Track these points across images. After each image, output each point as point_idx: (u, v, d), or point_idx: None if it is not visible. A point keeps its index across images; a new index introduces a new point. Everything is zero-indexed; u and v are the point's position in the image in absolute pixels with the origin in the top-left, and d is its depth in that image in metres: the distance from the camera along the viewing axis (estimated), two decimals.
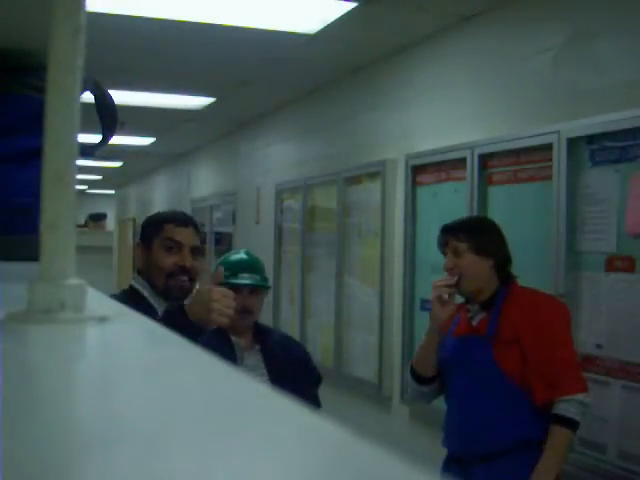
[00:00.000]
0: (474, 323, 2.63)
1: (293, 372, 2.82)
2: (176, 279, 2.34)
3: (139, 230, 2.52)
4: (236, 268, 2.90)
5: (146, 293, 2.34)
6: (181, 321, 1.99)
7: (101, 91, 1.31)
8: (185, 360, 0.47)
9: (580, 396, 2.42)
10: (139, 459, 0.27)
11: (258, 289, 2.92)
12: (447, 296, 2.60)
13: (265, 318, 6.71)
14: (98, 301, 0.64)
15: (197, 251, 2.45)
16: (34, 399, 0.35)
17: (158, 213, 2.60)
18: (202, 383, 0.40)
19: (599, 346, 2.81)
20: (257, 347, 2.89)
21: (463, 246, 2.60)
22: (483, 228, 2.71)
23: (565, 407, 2.41)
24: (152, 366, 0.45)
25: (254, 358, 2.86)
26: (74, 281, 0.53)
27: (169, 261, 2.33)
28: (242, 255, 3.02)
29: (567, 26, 3.05)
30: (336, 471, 0.27)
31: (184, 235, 2.38)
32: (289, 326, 5.70)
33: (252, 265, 2.96)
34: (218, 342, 2.79)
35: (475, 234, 2.63)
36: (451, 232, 2.65)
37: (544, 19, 3.20)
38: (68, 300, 0.53)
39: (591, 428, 2.44)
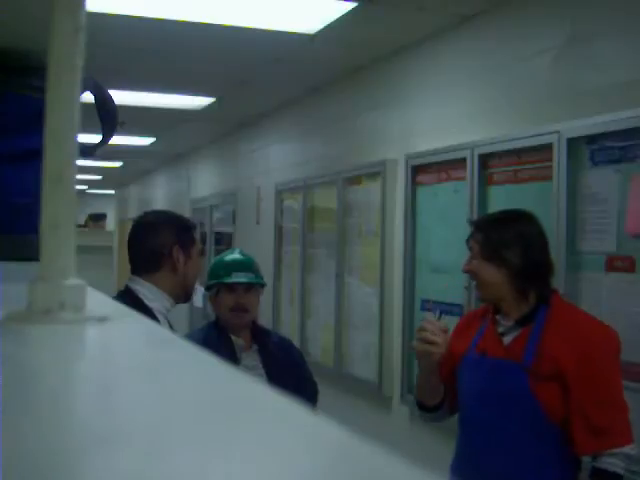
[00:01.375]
0: (506, 342, 2.21)
1: (291, 376, 2.83)
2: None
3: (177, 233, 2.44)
4: (230, 268, 2.95)
5: (150, 295, 2.31)
6: None
7: (101, 91, 1.31)
8: (185, 360, 0.47)
9: (627, 448, 2.07)
10: (139, 459, 0.27)
11: (253, 287, 2.96)
12: (438, 339, 2.23)
13: (265, 318, 6.72)
14: (98, 301, 0.64)
15: None
16: (34, 399, 0.35)
17: (185, 218, 2.58)
18: (202, 383, 0.40)
19: None
20: (255, 347, 2.92)
21: (476, 247, 2.25)
22: (503, 226, 2.25)
23: (612, 461, 2.06)
24: (152, 366, 0.45)
25: (251, 358, 2.89)
26: (74, 281, 0.53)
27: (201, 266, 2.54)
28: (236, 255, 3.08)
29: (567, 26, 3.05)
30: (336, 471, 0.27)
31: None
32: (289, 326, 5.71)
33: (246, 264, 3.00)
34: (218, 341, 2.85)
35: (488, 234, 2.23)
36: (474, 228, 2.30)
37: (544, 19, 3.20)
38: (68, 300, 0.53)
39: None
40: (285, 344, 3.10)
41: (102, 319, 0.54)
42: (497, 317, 2.26)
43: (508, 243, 2.20)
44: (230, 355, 2.79)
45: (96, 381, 0.41)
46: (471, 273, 2.29)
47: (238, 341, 2.91)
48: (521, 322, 2.20)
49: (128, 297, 2.25)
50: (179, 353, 0.50)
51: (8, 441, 0.27)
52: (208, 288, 3.01)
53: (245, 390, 0.38)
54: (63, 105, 0.53)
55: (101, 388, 0.39)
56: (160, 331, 0.59)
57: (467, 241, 2.31)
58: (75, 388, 0.40)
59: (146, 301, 2.28)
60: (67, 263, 0.53)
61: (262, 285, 3.03)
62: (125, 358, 0.47)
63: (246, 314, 2.92)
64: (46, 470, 0.25)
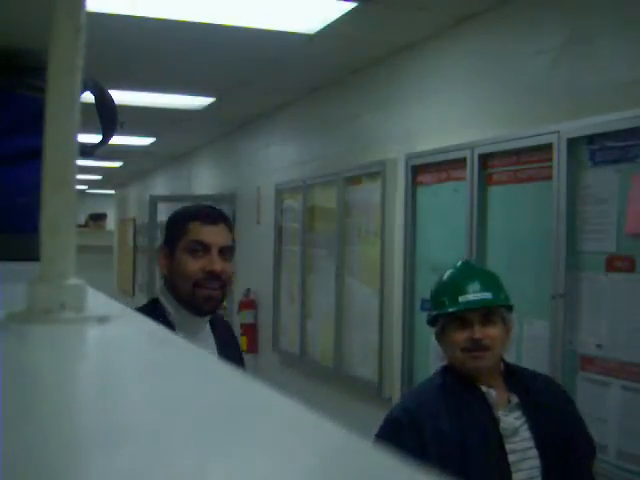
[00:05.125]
0: None
1: (564, 438, 2.06)
2: (204, 288, 1.98)
3: (163, 232, 2.18)
4: (454, 290, 2.08)
5: (169, 307, 2.03)
6: None
7: (101, 91, 1.31)
8: (185, 360, 0.47)
9: None
10: (139, 460, 0.27)
11: (494, 313, 2.06)
12: None
13: (265, 319, 6.73)
14: (98, 301, 0.64)
15: (227, 251, 2.04)
16: (34, 399, 0.35)
17: (182, 209, 2.16)
18: (202, 383, 0.40)
19: (599, 346, 2.81)
20: (515, 400, 2.07)
21: None
22: None
23: None
24: (152, 366, 0.45)
25: (512, 418, 2.05)
26: (74, 281, 0.53)
27: (195, 267, 1.98)
28: (459, 267, 2.18)
29: (567, 26, 3.05)
30: (336, 471, 0.27)
31: (211, 234, 2.00)
32: (289, 326, 5.71)
33: (478, 279, 2.10)
34: (463, 395, 2.07)
35: None
36: None
37: (544, 19, 3.20)
38: (68, 300, 0.53)
39: (591, 428, 2.43)
40: (555, 391, 2.22)
41: (102, 319, 0.54)
42: None
43: None
44: (487, 414, 2.02)
45: (96, 381, 0.41)
46: None
47: (490, 392, 2.05)
48: None
49: (151, 309, 2.00)
50: (179, 353, 0.50)
51: (8, 441, 0.27)
52: (431, 322, 2.17)
53: (245, 390, 0.38)
54: (63, 105, 0.53)
55: (101, 388, 0.39)
56: (160, 331, 0.59)
57: None
58: (75, 388, 0.40)
59: (166, 314, 2.02)
60: (67, 263, 0.53)
61: (509, 307, 2.11)
62: (125, 358, 0.47)
63: (487, 353, 2.04)
64: (46, 470, 0.25)
